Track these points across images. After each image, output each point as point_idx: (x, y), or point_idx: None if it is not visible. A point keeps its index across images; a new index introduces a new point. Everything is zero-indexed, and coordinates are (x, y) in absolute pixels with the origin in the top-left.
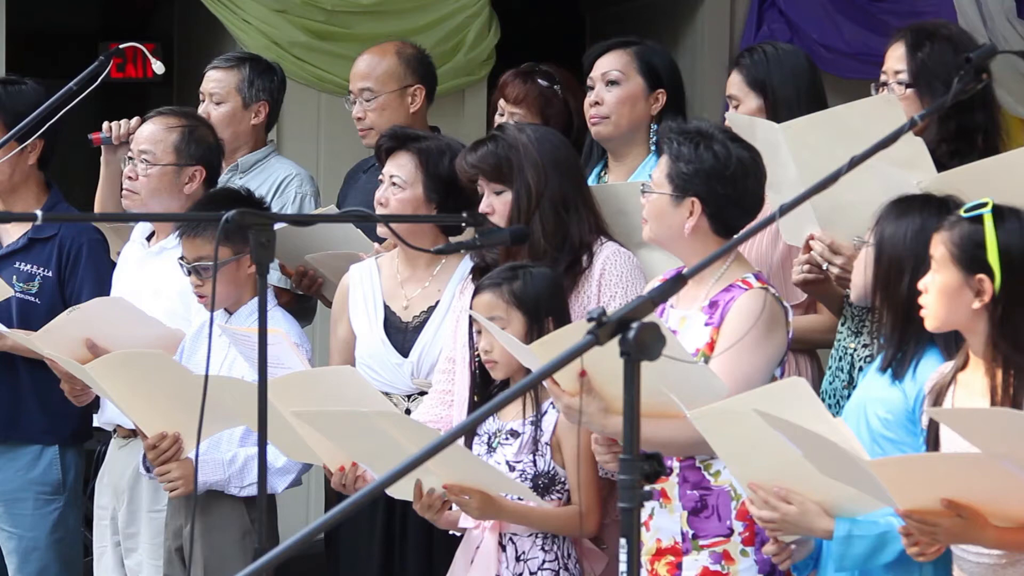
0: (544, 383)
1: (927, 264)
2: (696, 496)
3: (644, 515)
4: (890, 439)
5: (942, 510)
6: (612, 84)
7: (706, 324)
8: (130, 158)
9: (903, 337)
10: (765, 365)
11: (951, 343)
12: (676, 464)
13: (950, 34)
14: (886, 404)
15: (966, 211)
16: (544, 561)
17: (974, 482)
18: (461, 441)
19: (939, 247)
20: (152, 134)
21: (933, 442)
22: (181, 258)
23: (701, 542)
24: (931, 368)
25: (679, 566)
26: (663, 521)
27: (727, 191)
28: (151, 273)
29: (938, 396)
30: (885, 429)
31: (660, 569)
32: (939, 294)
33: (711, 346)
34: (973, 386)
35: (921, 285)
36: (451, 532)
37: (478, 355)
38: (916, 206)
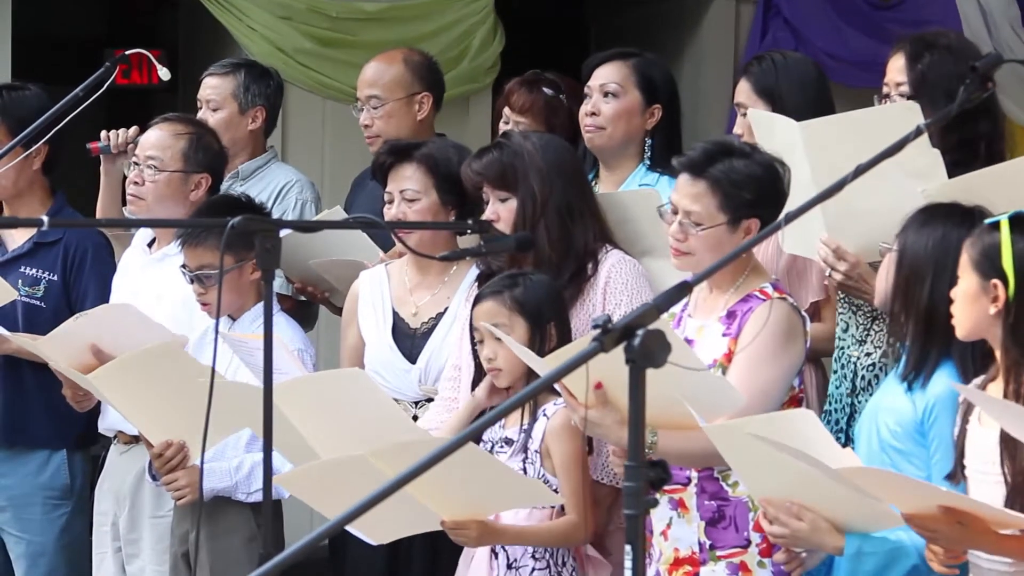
0: (562, 396)
1: (947, 273)
2: (714, 507)
3: (662, 524)
4: (898, 449)
5: (941, 516)
6: (610, 96)
7: (723, 335)
8: (135, 163)
9: (924, 346)
10: (783, 375)
11: (967, 357)
12: (695, 474)
13: (949, 43)
14: (896, 415)
15: (991, 220)
16: (534, 569)
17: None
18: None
19: (963, 254)
20: (160, 140)
21: (959, 454)
22: (183, 266)
23: (718, 552)
24: (943, 381)
25: None
26: (681, 531)
27: (777, 199)
28: (153, 279)
29: (968, 408)
30: (894, 439)
31: None
32: (961, 300)
33: (728, 356)
34: (996, 395)
35: (953, 294)
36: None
37: (479, 363)
38: (940, 215)
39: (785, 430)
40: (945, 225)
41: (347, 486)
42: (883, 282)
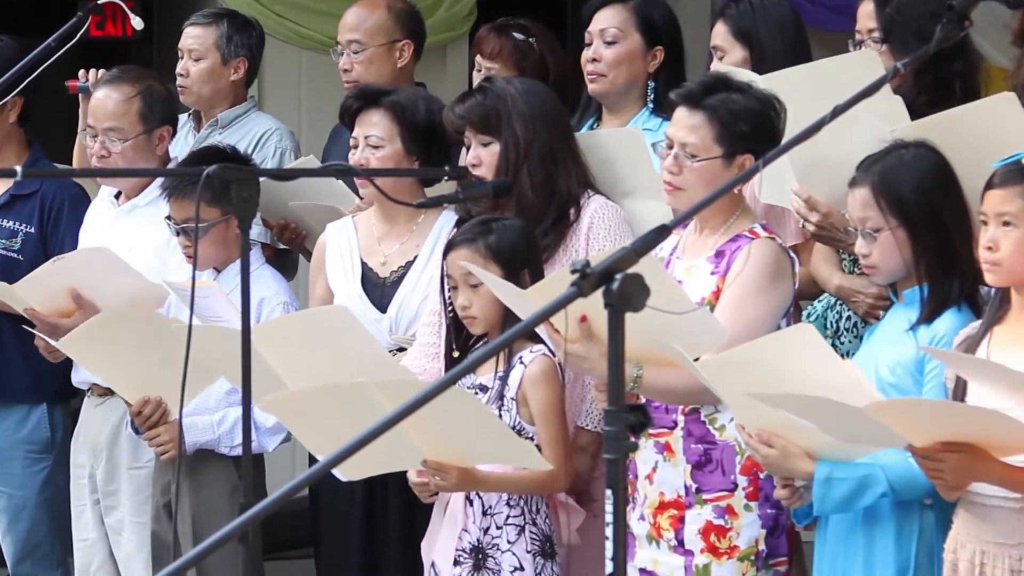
0: (544, 331)
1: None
2: (700, 450)
3: (647, 468)
4: (895, 385)
5: (945, 448)
6: (610, 41)
7: (712, 273)
8: (93, 135)
9: (944, 288)
10: (770, 314)
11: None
12: (681, 418)
13: None
14: (897, 352)
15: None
16: (508, 516)
17: (977, 430)
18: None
19: (1014, 201)
20: (116, 109)
21: (961, 395)
22: (168, 217)
23: (705, 496)
24: (948, 321)
25: (682, 519)
26: (667, 474)
27: (773, 136)
28: (123, 230)
29: (969, 346)
30: (891, 376)
31: (663, 522)
32: (1018, 248)
33: (716, 295)
34: (1012, 337)
35: (987, 241)
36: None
37: (452, 311)
38: (900, 150)
39: (788, 349)
40: (921, 156)
41: (336, 418)
42: (888, 260)
